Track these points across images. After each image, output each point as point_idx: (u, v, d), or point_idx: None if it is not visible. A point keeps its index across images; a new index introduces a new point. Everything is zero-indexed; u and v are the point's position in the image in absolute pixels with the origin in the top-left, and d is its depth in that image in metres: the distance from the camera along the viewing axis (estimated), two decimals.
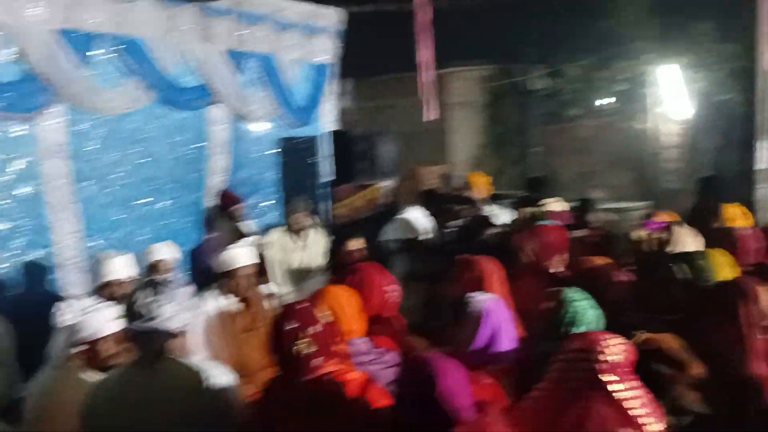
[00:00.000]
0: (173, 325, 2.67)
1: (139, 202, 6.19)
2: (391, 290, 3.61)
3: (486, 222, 5.91)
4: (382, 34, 10.26)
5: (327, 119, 8.35)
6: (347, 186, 6.91)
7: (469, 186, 7.37)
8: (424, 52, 8.97)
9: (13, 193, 5.21)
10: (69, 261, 5.57)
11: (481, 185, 7.38)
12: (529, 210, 5.73)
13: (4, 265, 5.15)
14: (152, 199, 6.32)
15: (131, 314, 2.68)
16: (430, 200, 6.87)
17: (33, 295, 5.31)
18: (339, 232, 5.40)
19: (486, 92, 15.17)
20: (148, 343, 2.54)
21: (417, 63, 9.13)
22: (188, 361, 2.70)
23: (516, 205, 6.81)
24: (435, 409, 2.20)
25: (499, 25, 11.83)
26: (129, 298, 2.69)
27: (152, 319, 2.57)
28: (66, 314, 3.21)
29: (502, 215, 6.65)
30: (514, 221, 5.92)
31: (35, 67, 5.15)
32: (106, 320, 3.27)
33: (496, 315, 2.97)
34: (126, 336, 2.84)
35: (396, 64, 11.65)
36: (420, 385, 2.25)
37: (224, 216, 6.59)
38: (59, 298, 5.40)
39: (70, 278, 5.57)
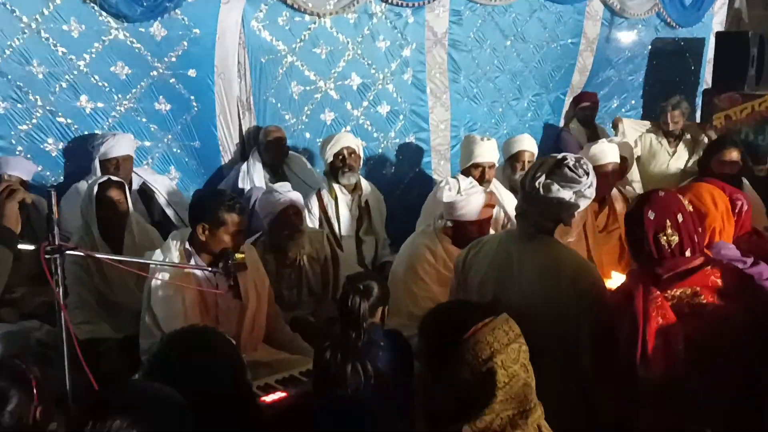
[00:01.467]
0: (584, 203, 2.54)
1: (505, 95, 6.26)
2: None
3: None
4: None
5: (717, 18, 7.43)
6: (731, 94, 6.09)
7: None
8: None
9: (402, 77, 5.60)
10: (439, 146, 5.93)
11: None
12: None
13: (384, 145, 5.66)
14: (517, 93, 6.34)
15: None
16: None
17: (407, 174, 5.80)
18: (715, 142, 4.84)
19: None
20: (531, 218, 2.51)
21: None
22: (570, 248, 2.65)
23: None
24: None
25: None
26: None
27: (577, 192, 2.46)
28: (445, 191, 3.39)
29: None
30: None
31: None
32: (478, 204, 3.40)
33: None
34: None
35: None
36: None
37: (579, 115, 6.43)
38: (429, 179, 5.89)
39: (440, 163, 5.94)
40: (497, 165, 4.68)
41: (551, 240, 2.52)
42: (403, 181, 5.76)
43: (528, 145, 4.92)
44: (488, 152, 4.40)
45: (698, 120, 6.86)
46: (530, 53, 6.28)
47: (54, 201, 2.07)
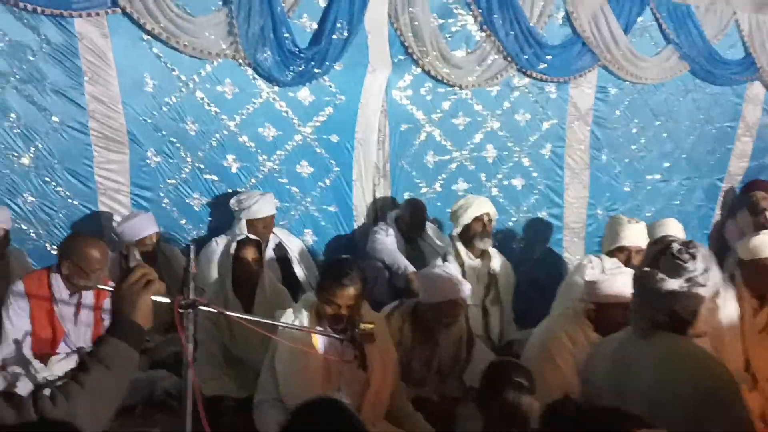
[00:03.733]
0: (704, 291, 2.27)
1: (652, 177, 5.93)
2: None
3: None
4: None
5: None
6: None
7: None
8: None
9: (539, 152, 5.45)
10: (573, 224, 5.66)
11: None
12: None
13: (514, 218, 5.46)
14: (666, 175, 5.98)
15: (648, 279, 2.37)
16: None
17: (537, 250, 5.55)
18: None
19: None
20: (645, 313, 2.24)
21: None
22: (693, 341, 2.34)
23: None
24: None
25: None
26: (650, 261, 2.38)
27: (689, 280, 2.21)
28: (587, 270, 3.15)
29: None
30: None
31: (581, 29, 5.23)
32: (624, 285, 3.12)
33: None
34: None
35: None
36: None
37: (747, 203, 5.94)
38: (559, 257, 5.62)
39: (573, 241, 5.66)
40: None
41: (669, 335, 2.21)
42: (531, 257, 5.52)
43: (674, 230, 4.57)
44: (636, 235, 4.11)
45: None
46: (682, 135, 5.95)
47: (192, 255, 2.04)
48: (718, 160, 6.19)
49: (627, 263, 3.93)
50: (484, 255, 4.38)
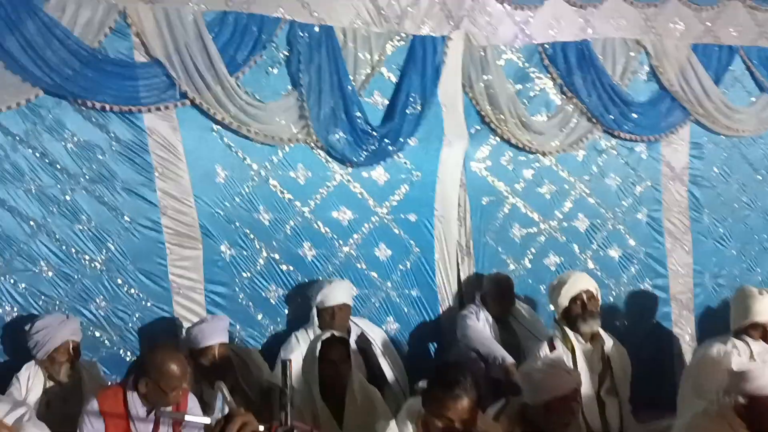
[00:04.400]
0: None
1: (759, 236, 5.40)
2: None
3: None
4: None
5: None
6: None
7: None
8: None
9: (635, 217, 5.02)
10: (680, 295, 5.14)
11: None
12: None
13: (614, 292, 5.00)
14: None
15: None
16: None
17: (642, 327, 5.04)
18: None
19: None
20: None
21: None
22: None
23: None
24: None
25: None
26: None
27: None
28: (734, 357, 2.69)
29: None
30: None
31: (669, 84, 4.89)
32: None
33: None
34: None
35: None
36: None
37: None
38: (668, 333, 5.09)
39: (682, 314, 5.14)
40: None
41: None
42: (637, 335, 4.99)
43: None
44: None
45: None
46: None
47: (290, 372, 1.73)
48: None
49: (764, 340, 3.43)
50: (594, 338, 3.90)
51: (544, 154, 4.74)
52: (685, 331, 5.13)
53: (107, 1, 3.69)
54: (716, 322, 5.14)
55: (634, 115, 4.86)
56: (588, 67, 4.69)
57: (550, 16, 4.65)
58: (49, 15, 3.57)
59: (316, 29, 4.13)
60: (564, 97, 4.71)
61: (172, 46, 3.81)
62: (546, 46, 4.64)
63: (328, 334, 3.36)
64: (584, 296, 3.88)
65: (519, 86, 4.63)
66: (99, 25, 3.68)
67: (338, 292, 4.01)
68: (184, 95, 3.84)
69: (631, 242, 5.03)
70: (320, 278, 4.22)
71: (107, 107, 3.70)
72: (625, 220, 5.01)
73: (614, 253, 5.00)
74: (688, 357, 5.07)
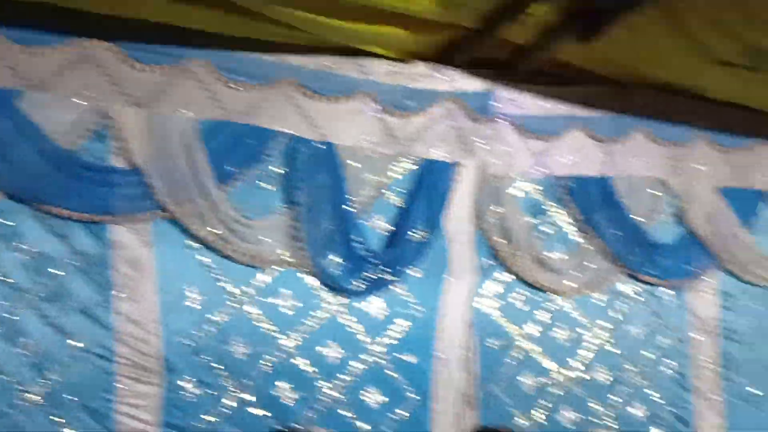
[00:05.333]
0: None
1: None
2: None
3: None
4: None
5: None
6: None
7: None
8: None
9: (659, 370, 4.48)
10: None
11: None
12: None
13: None
14: None
15: None
16: None
17: None
18: None
19: None
20: None
21: None
22: None
23: None
24: None
25: None
26: None
27: None
28: None
29: None
30: None
31: (696, 227, 4.50)
32: None
33: None
34: None
35: None
36: None
37: None
38: None
39: None
40: None
41: None
42: None
43: None
44: None
45: None
46: None
47: None
48: None
49: None
50: None
51: (559, 295, 4.27)
52: None
53: (90, 102, 3.33)
54: None
55: (660, 258, 4.43)
56: (610, 204, 4.32)
57: (569, 149, 4.32)
58: (22, 112, 3.21)
59: (319, 146, 3.76)
60: (584, 234, 4.30)
61: (156, 153, 3.42)
62: (565, 179, 4.28)
63: None
64: None
65: (535, 220, 4.24)
66: (77, 126, 3.30)
67: None
68: (161, 207, 3.40)
69: (657, 400, 4.46)
70: (299, 426, 3.62)
71: (73, 215, 3.26)
72: (650, 374, 4.46)
73: (637, 411, 4.41)
74: None
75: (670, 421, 4.49)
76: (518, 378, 4.18)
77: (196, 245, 3.51)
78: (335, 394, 3.75)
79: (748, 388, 4.69)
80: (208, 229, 3.47)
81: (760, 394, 4.70)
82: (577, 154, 4.30)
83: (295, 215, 3.66)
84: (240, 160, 3.62)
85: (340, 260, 3.74)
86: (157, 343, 3.38)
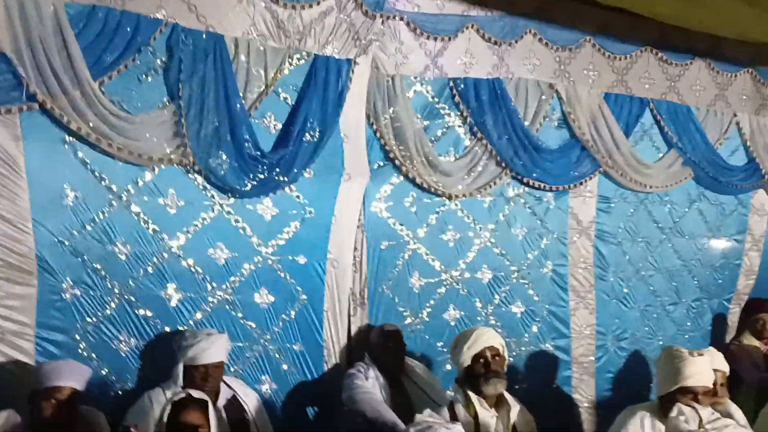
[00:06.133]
0: None
1: (661, 299, 5.20)
2: None
3: None
4: None
5: None
6: None
7: None
8: None
9: (539, 271, 4.68)
10: (582, 357, 4.83)
11: None
12: None
13: (515, 353, 4.60)
14: (675, 296, 5.26)
15: None
16: None
17: (542, 391, 4.67)
18: None
19: None
20: None
21: None
22: None
23: None
24: None
25: None
26: None
27: None
28: (681, 424, 2.32)
29: None
30: None
31: (579, 132, 4.62)
32: None
33: None
34: None
35: None
36: None
37: (751, 327, 5.26)
38: (569, 400, 4.76)
39: (583, 379, 4.81)
40: None
41: None
42: (539, 401, 4.57)
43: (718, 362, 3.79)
44: (702, 372, 3.27)
45: None
46: (689, 251, 5.29)
47: None
48: (727, 278, 5.52)
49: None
50: (500, 403, 3.44)
51: (450, 198, 4.33)
52: (585, 397, 4.80)
53: None
54: (620, 388, 4.88)
55: (545, 163, 4.54)
56: (500, 107, 4.34)
57: (463, 50, 4.27)
58: None
59: (203, 36, 3.52)
60: (473, 137, 4.33)
61: (24, 38, 3.10)
62: (458, 80, 4.25)
63: (182, 395, 2.75)
64: (488, 354, 3.44)
65: (427, 122, 4.21)
66: None
67: (216, 348, 3.37)
68: (32, 97, 3.12)
69: (535, 298, 4.68)
70: (185, 327, 3.56)
71: None
72: (530, 274, 4.66)
73: (517, 309, 4.63)
74: (587, 426, 4.76)
75: (548, 320, 4.74)
76: (407, 278, 4.26)
77: (73, 140, 3.27)
78: (223, 295, 3.70)
79: (617, 286, 4.98)
80: (84, 122, 3.23)
81: (626, 291, 5.02)
82: (470, 55, 4.26)
83: (179, 111, 3.46)
84: (117, 50, 3.34)
85: (228, 159, 3.59)
86: (31, 243, 3.17)
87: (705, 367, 3.29)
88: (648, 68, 4.86)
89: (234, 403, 3.41)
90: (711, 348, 4.00)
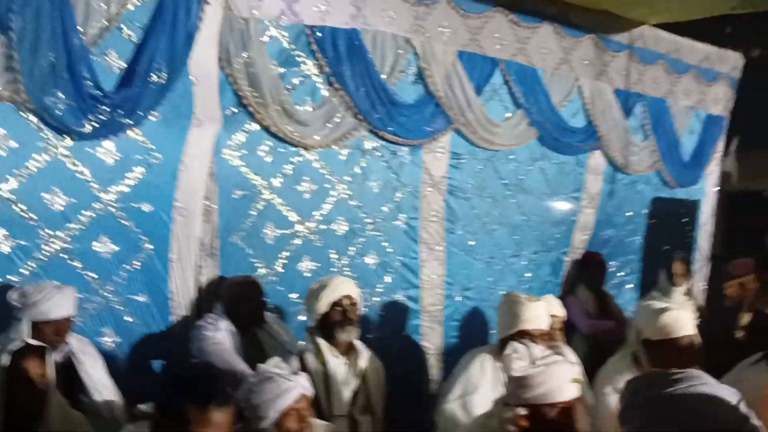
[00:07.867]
0: None
1: (503, 252, 5.48)
2: None
3: None
4: None
5: (710, 181, 7.09)
6: (745, 261, 5.52)
7: None
8: None
9: (392, 223, 4.77)
10: (431, 307, 5.01)
11: None
12: None
13: (368, 303, 4.69)
14: (516, 249, 5.57)
15: None
16: None
17: (393, 340, 4.80)
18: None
19: None
20: None
21: None
22: None
23: None
24: None
25: None
26: None
27: None
28: (515, 360, 2.47)
29: None
30: None
31: (434, 88, 4.71)
32: (564, 379, 2.47)
33: None
34: None
35: None
36: None
37: (585, 278, 5.72)
38: (418, 348, 4.92)
39: (431, 327, 5.00)
40: None
41: None
42: (389, 349, 4.73)
43: (556, 308, 4.08)
44: (539, 317, 3.50)
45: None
46: (531, 207, 5.59)
47: None
48: (564, 233, 5.92)
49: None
50: (350, 351, 3.50)
51: (306, 148, 4.28)
52: (432, 344, 5.00)
53: None
54: (464, 335, 5.11)
55: (400, 117, 4.60)
56: (357, 58, 4.32)
57: None
58: None
59: None
60: (331, 87, 4.29)
61: None
62: (315, 28, 4.17)
63: (20, 344, 2.59)
64: (346, 302, 3.52)
65: (283, 69, 4.11)
66: None
67: (67, 301, 3.18)
68: None
69: (389, 250, 4.78)
70: (17, 278, 3.30)
71: None
72: (384, 227, 4.74)
73: (370, 260, 4.70)
74: (434, 372, 4.96)
75: (401, 271, 4.86)
76: (260, 229, 4.20)
77: None
78: (60, 243, 3.46)
79: (464, 239, 5.19)
80: None
81: (473, 243, 5.24)
82: (327, 3, 4.19)
83: (11, 44, 3.14)
84: None
85: (65, 98, 3.32)
86: None
87: (542, 312, 3.52)
88: (500, 29, 5.02)
89: (70, 358, 3.22)
90: (549, 295, 4.29)
